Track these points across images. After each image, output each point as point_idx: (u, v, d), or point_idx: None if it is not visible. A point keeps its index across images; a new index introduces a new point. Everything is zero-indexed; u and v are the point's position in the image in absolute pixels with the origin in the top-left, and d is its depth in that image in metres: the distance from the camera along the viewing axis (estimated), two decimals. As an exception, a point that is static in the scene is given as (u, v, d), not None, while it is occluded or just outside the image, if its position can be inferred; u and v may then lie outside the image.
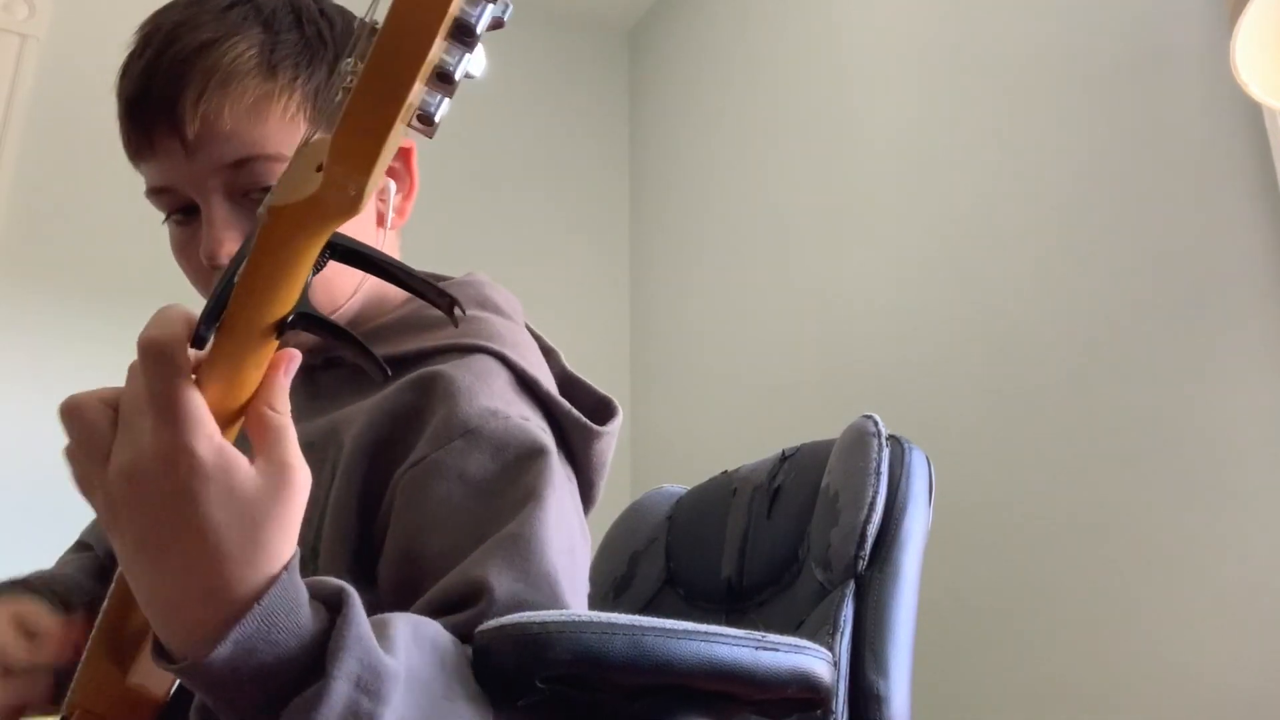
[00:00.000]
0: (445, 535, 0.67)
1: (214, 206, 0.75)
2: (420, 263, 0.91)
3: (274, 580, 0.46)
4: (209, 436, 0.45)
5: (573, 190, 3.04)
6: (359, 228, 0.79)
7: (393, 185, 0.82)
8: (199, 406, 0.45)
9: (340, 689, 0.46)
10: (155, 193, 0.78)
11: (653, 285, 2.95)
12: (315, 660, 0.47)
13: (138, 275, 2.30)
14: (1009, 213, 1.80)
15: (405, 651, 0.51)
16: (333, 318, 0.80)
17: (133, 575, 0.47)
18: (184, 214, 0.78)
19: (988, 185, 1.86)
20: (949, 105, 1.98)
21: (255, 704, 0.47)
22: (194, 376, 0.46)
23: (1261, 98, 1.16)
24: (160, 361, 0.44)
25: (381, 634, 0.50)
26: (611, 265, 3.04)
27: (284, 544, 0.47)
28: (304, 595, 0.48)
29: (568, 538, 0.70)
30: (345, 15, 0.83)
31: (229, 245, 0.75)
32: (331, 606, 0.49)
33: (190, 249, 0.78)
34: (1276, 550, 1.31)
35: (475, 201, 2.85)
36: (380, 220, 0.82)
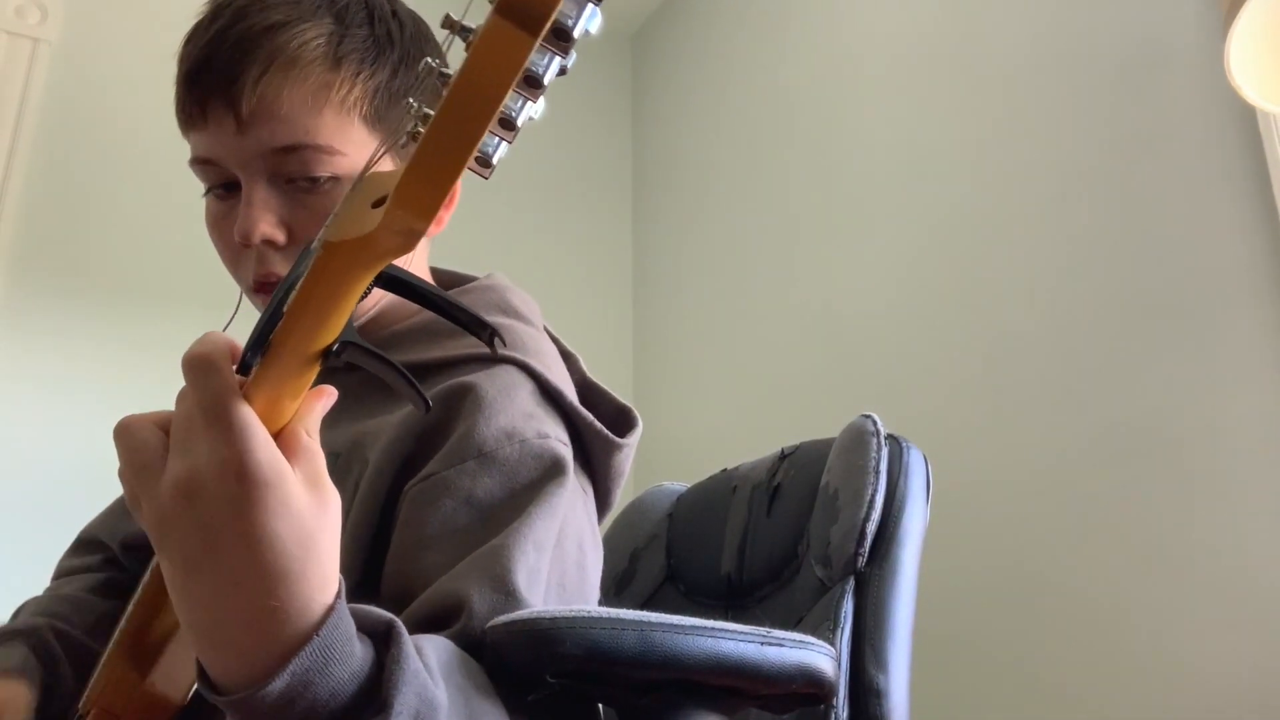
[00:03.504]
0: (441, 553, 0.66)
1: (255, 187, 0.75)
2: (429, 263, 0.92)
3: (330, 610, 0.45)
4: (265, 443, 0.44)
5: (576, 191, 3.05)
6: None
7: None
8: (251, 415, 0.44)
9: None
10: (200, 163, 0.77)
11: (655, 285, 2.96)
12: (368, 694, 0.46)
13: (149, 279, 2.31)
14: (1007, 214, 1.82)
15: (441, 678, 0.50)
16: (358, 320, 0.79)
17: (181, 598, 0.45)
18: (225, 189, 0.78)
19: (986, 186, 1.87)
20: (947, 107, 1.99)
21: None
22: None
23: (1256, 100, 1.17)
24: (208, 373, 0.44)
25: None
26: (614, 265, 3.05)
27: (334, 565, 0.46)
28: (354, 626, 0.47)
29: (573, 550, 0.70)
30: (416, 20, 0.83)
31: (263, 227, 0.74)
32: (377, 638, 0.49)
33: (225, 224, 0.77)
34: (1275, 550, 1.32)
35: (478, 203, 2.84)
36: None
